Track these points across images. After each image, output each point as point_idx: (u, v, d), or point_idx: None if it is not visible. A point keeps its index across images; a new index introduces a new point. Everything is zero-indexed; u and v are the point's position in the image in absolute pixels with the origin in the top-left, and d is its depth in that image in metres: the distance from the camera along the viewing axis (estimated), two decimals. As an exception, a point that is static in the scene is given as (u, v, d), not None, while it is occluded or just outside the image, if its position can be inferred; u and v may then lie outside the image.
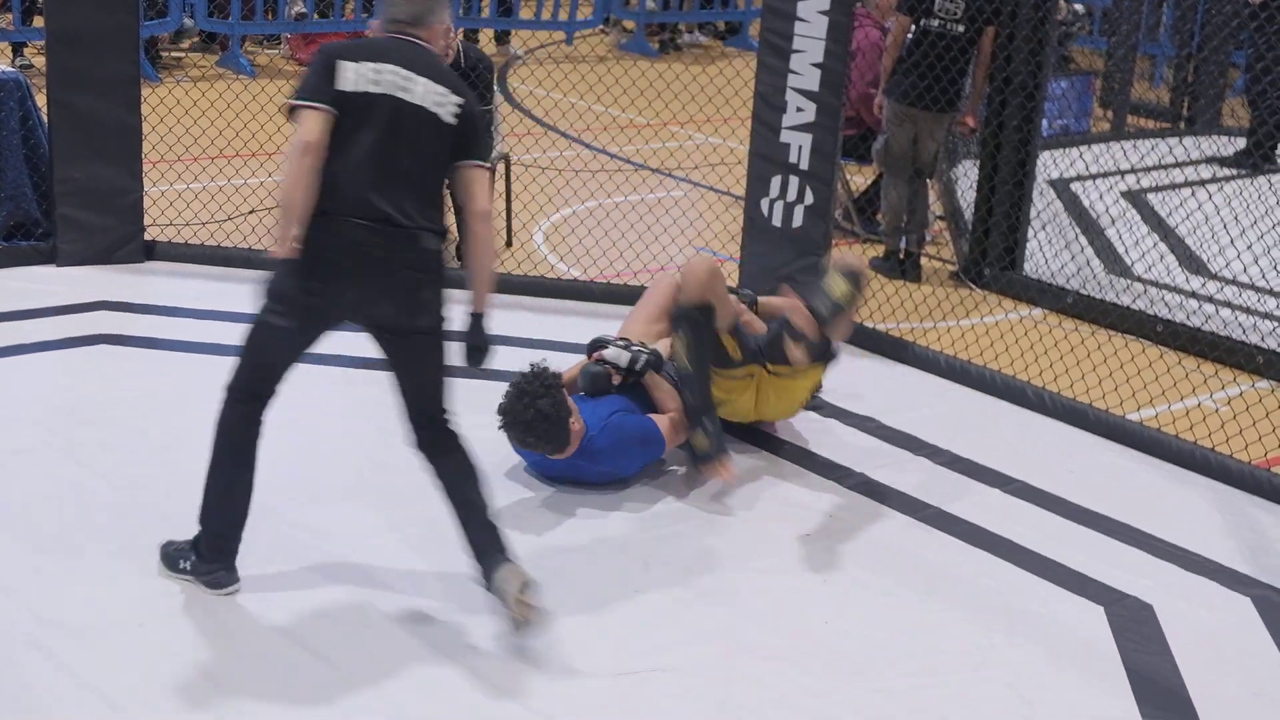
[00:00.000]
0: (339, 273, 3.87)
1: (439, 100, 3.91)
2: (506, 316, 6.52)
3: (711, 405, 5.00)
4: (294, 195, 3.75)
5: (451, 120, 3.94)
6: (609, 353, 5.05)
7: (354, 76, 3.84)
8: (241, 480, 4.02)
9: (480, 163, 4.01)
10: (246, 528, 4.09)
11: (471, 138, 3.99)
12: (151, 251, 7.04)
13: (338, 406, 5.46)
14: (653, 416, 4.99)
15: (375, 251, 3.88)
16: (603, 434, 4.81)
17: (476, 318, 4.05)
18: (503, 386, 4.84)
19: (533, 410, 4.64)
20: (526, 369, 4.75)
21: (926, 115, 7.35)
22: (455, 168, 4.01)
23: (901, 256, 7.54)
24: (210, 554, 4.06)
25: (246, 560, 4.12)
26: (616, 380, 5.04)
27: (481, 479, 4.05)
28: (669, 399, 5.05)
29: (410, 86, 3.89)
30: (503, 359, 5.92)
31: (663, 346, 5.22)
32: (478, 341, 4.04)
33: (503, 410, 4.72)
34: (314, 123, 3.79)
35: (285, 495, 4.58)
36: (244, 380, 4.03)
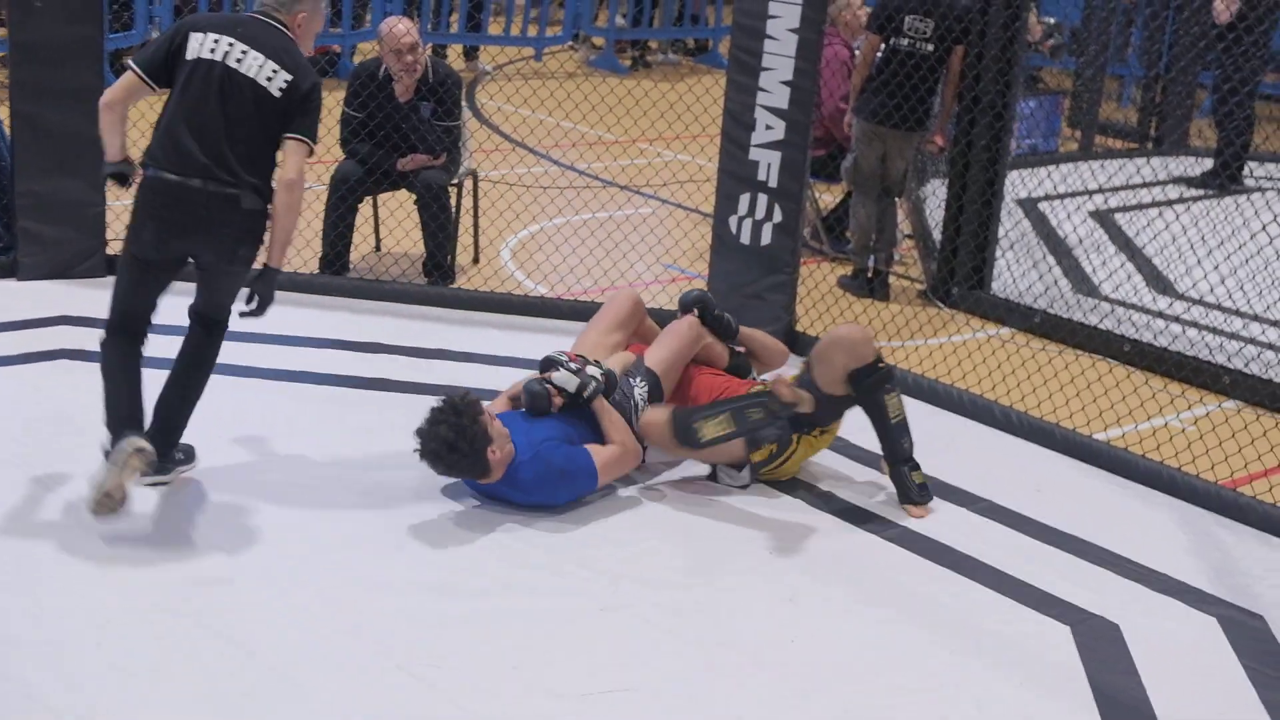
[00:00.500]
0: (165, 223, 4.50)
1: (270, 75, 4.46)
2: (473, 333, 6.58)
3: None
4: (103, 139, 4.62)
5: (277, 94, 4.46)
6: (558, 376, 4.96)
7: (197, 46, 4.48)
8: (121, 393, 4.57)
9: (297, 136, 4.48)
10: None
11: (293, 113, 4.48)
12: (114, 266, 6.94)
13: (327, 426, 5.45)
14: (590, 448, 4.89)
15: (196, 206, 4.45)
16: (528, 464, 4.76)
17: (267, 270, 4.56)
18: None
19: (438, 440, 4.61)
20: (443, 400, 4.68)
21: (895, 134, 7.40)
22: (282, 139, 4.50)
23: (870, 275, 7.58)
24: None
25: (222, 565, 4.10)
26: (558, 403, 4.97)
27: (203, 375, 4.72)
28: (615, 429, 4.97)
29: (244, 59, 4.46)
30: (465, 375, 5.97)
31: (616, 361, 5.22)
32: (262, 291, 4.56)
33: (417, 435, 4.67)
34: (121, 83, 4.54)
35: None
36: (113, 318, 4.69)
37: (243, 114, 4.44)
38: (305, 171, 4.53)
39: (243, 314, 4.62)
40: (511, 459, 4.75)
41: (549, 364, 5.04)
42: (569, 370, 4.98)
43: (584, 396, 4.95)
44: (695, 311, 5.49)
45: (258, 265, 4.63)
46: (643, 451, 5.08)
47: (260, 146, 4.50)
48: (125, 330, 4.66)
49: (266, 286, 4.57)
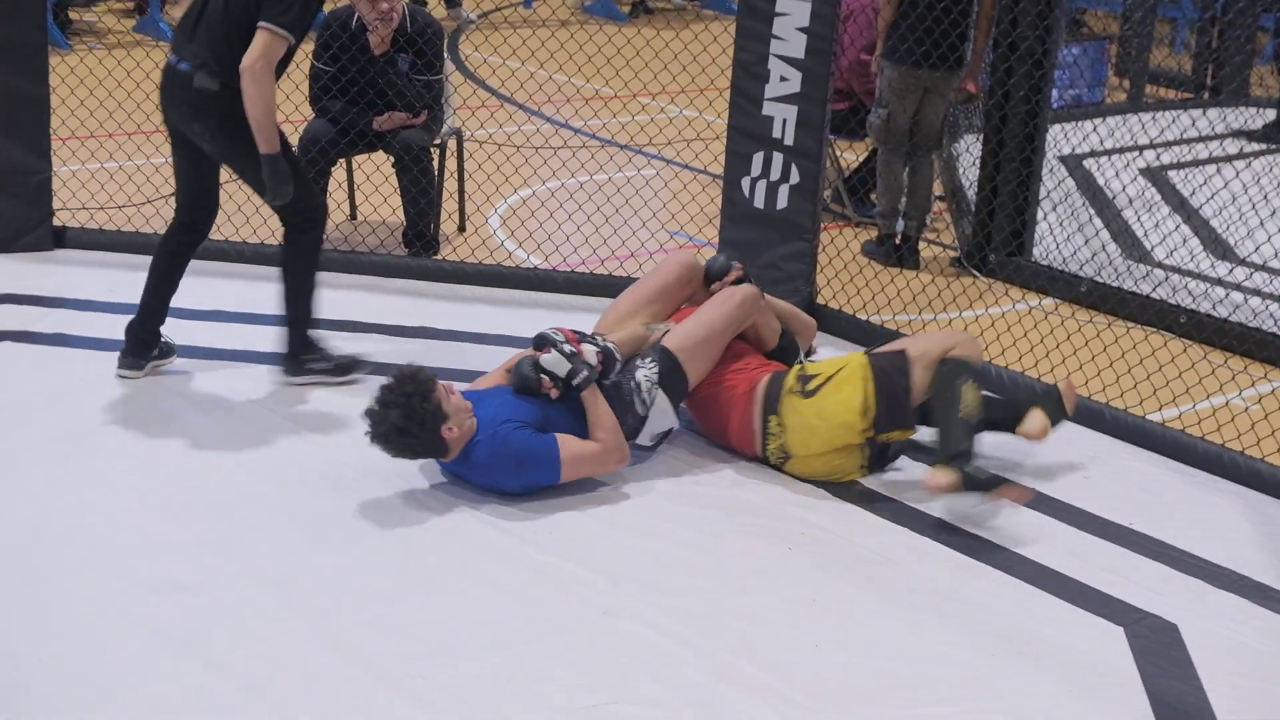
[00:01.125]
0: (160, 93, 5.46)
1: None
2: (458, 309, 6.56)
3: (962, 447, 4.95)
4: None
5: None
6: (547, 359, 4.90)
7: None
8: (149, 280, 5.62)
9: (265, 24, 5.11)
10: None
11: (265, 2, 5.12)
12: (61, 238, 6.99)
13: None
14: (561, 438, 4.84)
15: (166, 80, 5.38)
16: (484, 443, 4.77)
17: (261, 158, 5.23)
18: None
19: (388, 424, 4.65)
20: (393, 377, 4.70)
21: (934, 76, 7.31)
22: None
23: (898, 241, 7.54)
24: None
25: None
26: (554, 393, 4.92)
27: (293, 275, 5.55)
28: (599, 424, 4.91)
29: None
30: (449, 355, 5.94)
31: (626, 337, 5.15)
32: (265, 178, 5.26)
33: (367, 417, 4.69)
34: None
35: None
36: (175, 204, 5.67)
37: (224, 6, 5.20)
38: (268, 61, 5.11)
39: (270, 205, 5.40)
40: (471, 435, 4.77)
41: (542, 342, 4.98)
42: (561, 353, 4.92)
43: (574, 385, 4.91)
44: (734, 278, 5.38)
45: None
46: (628, 452, 5.02)
47: (225, 33, 5.19)
48: (178, 217, 5.63)
49: (267, 172, 5.24)
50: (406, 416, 4.63)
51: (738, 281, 5.41)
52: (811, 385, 5.10)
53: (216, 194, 5.64)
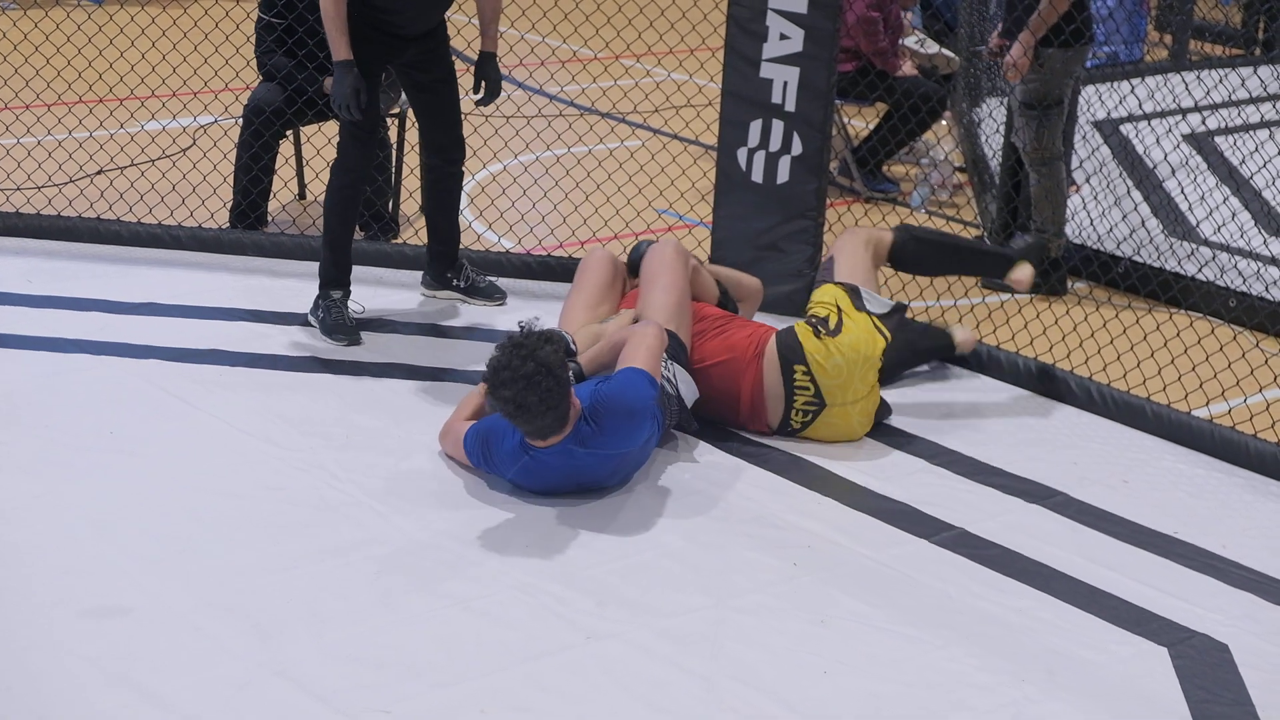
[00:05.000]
0: None
1: None
2: (421, 299, 6.58)
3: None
4: None
5: None
6: None
7: None
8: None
9: None
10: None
11: None
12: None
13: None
14: (622, 358, 5.04)
15: None
16: (592, 410, 4.88)
17: (483, 55, 6.24)
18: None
19: (533, 362, 4.67)
20: (524, 331, 4.81)
21: (1086, 50, 6.99)
22: None
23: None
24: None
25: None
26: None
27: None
28: (632, 346, 5.09)
29: None
30: (412, 350, 5.97)
31: (598, 343, 5.29)
32: (335, 82, 5.92)
33: (495, 366, 4.72)
34: None
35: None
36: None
37: None
38: None
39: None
40: (579, 415, 4.88)
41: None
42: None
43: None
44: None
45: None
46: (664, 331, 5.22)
47: None
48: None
49: (335, 79, 5.90)
50: (559, 357, 4.72)
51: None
52: (832, 324, 5.45)
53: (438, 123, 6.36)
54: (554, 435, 4.83)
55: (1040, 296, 6.80)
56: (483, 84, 6.25)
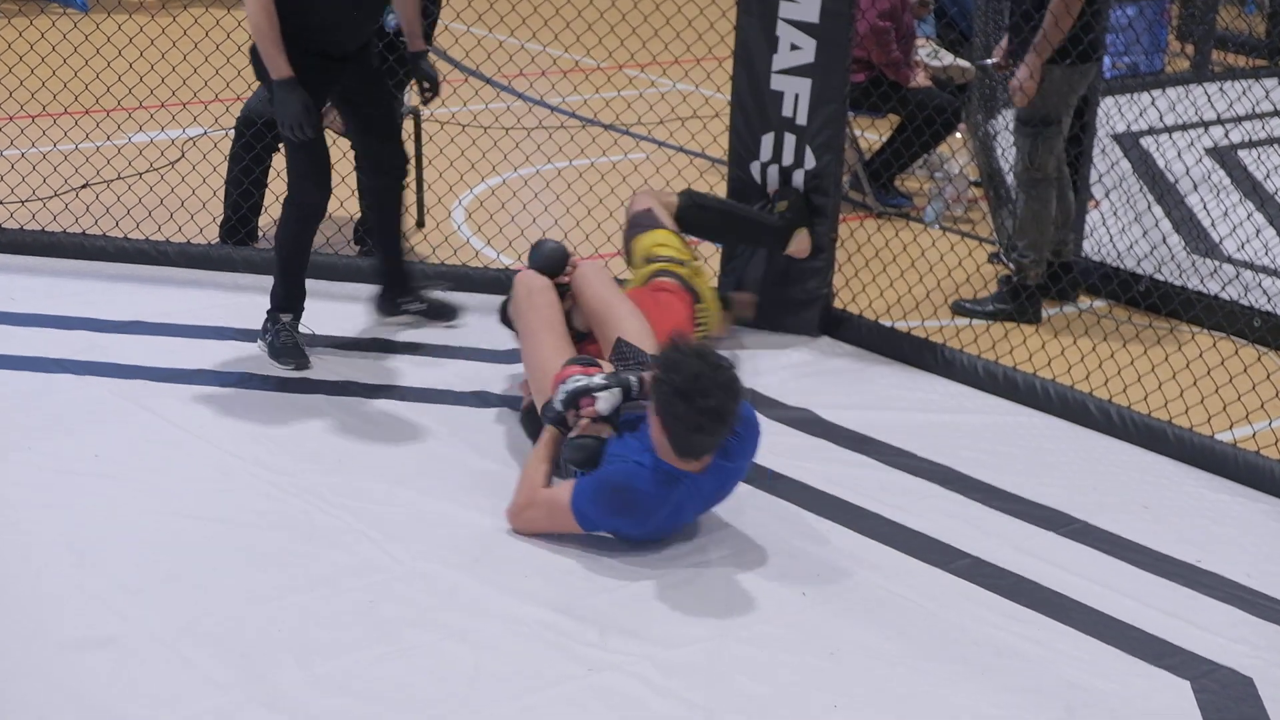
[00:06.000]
0: None
1: None
2: (417, 317, 6.56)
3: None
4: None
5: None
6: (603, 403, 4.92)
7: None
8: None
9: None
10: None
11: None
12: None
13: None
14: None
15: None
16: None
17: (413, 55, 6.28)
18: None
19: (727, 368, 4.71)
20: (708, 351, 4.79)
21: (1094, 67, 6.97)
22: None
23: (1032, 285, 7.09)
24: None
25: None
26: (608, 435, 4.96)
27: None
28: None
29: None
30: (407, 371, 5.97)
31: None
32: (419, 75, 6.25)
33: (692, 373, 4.63)
34: None
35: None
36: None
37: None
38: None
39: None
40: None
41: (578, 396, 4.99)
42: (605, 385, 4.98)
43: (634, 396, 4.99)
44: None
45: None
46: None
47: None
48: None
49: (274, 99, 5.83)
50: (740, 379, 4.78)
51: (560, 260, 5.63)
52: (684, 255, 6.18)
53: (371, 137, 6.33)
54: (713, 451, 4.79)
55: (1018, 325, 6.78)
56: (424, 84, 6.27)
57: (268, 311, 6.14)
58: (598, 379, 4.96)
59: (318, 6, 5.80)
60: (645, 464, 4.74)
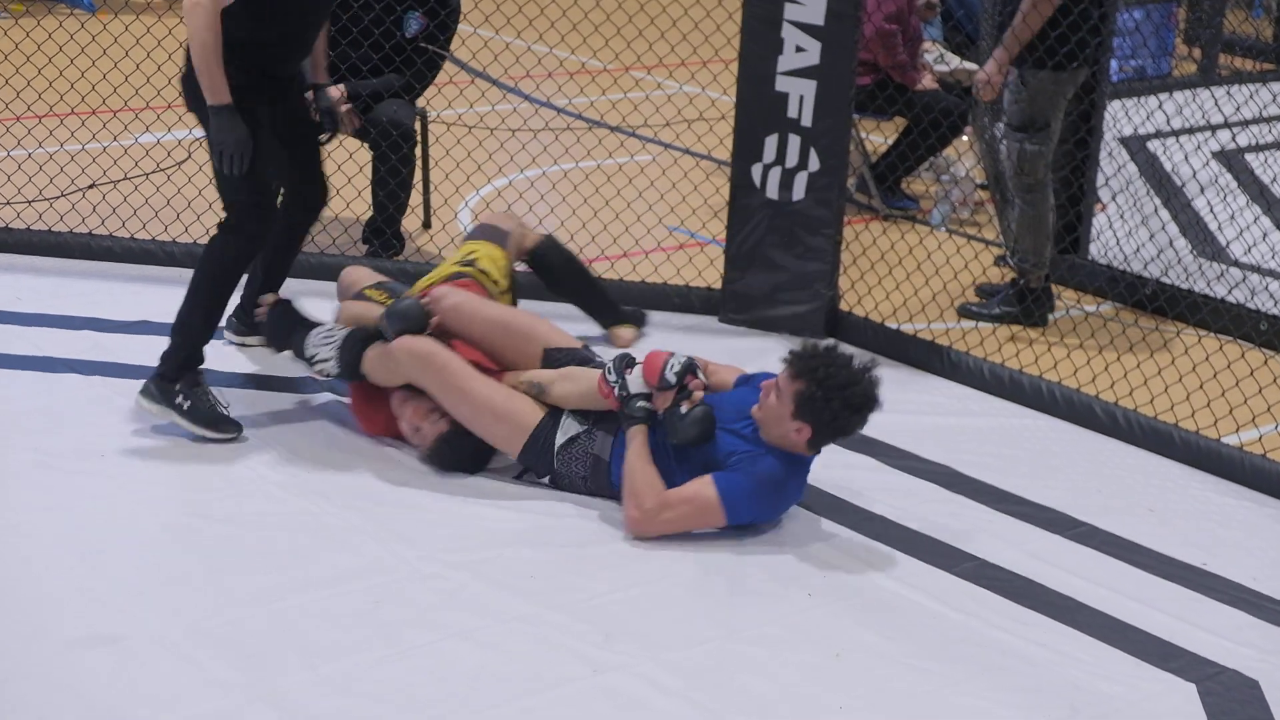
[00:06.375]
0: None
1: None
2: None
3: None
4: None
5: None
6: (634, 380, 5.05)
7: None
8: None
9: None
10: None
11: None
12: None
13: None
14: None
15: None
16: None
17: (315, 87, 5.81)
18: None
19: (864, 363, 4.98)
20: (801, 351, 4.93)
21: (1082, 72, 6.91)
22: None
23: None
24: None
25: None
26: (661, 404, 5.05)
27: (200, 278, 5.50)
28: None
29: None
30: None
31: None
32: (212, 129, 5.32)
33: (859, 369, 4.92)
34: None
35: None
36: None
37: None
38: None
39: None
40: None
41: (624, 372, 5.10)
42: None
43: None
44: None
45: None
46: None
47: None
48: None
49: (211, 128, 5.30)
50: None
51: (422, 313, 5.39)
52: (501, 281, 5.87)
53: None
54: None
55: (1025, 328, 6.78)
56: (322, 119, 5.80)
57: (172, 374, 5.43)
58: (673, 359, 5.03)
59: (278, 16, 5.38)
60: (777, 456, 4.95)
